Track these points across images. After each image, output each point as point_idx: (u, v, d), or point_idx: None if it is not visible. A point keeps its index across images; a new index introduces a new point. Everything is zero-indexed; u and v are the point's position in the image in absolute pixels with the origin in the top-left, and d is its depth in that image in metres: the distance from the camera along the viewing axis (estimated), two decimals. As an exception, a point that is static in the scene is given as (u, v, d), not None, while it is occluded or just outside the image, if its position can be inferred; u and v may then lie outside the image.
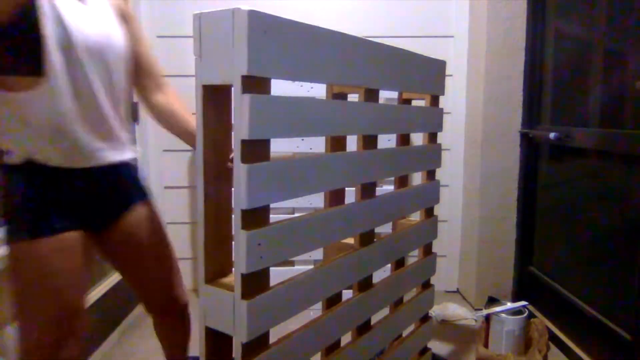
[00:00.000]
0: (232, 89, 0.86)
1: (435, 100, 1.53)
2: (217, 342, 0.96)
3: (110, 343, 2.00)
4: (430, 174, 1.58)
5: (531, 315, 1.94)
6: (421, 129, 1.45)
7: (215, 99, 0.91)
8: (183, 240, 2.55)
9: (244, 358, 0.91)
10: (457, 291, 2.59)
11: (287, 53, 0.90)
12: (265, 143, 0.90)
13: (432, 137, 1.55)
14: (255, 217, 0.89)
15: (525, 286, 2.25)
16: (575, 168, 1.91)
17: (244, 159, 0.85)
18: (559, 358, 1.83)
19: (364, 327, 1.27)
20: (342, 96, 1.34)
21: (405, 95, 1.55)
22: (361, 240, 1.22)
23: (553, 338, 1.90)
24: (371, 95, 1.17)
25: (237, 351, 0.91)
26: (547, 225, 2.13)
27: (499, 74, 2.18)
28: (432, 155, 1.53)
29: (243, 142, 0.85)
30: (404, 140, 1.48)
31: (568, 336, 1.87)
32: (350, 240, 1.27)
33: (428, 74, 1.42)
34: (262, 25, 0.84)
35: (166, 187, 2.51)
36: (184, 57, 2.40)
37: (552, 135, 1.89)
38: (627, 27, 1.61)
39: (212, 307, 0.95)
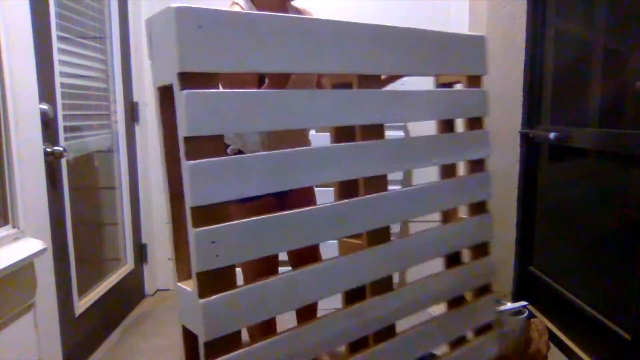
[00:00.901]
0: (173, 87, 0.85)
1: (474, 81, 1.37)
2: (193, 341, 0.96)
3: (110, 343, 2.00)
4: (477, 164, 1.41)
5: (531, 315, 1.93)
6: (441, 115, 1.32)
7: (168, 99, 0.90)
8: (183, 240, 2.55)
9: (207, 357, 0.89)
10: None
11: (229, 44, 0.86)
12: (214, 139, 0.87)
13: (475, 123, 1.39)
14: (208, 214, 0.87)
15: (525, 286, 2.25)
16: (575, 168, 1.91)
17: (187, 156, 0.84)
18: (559, 358, 1.83)
19: (386, 334, 1.19)
20: (347, 85, 1.29)
21: (442, 79, 1.41)
22: (369, 241, 1.15)
23: (553, 338, 1.90)
24: (366, 81, 1.12)
25: (201, 350, 0.89)
26: (547, 225, 2.13)
27: (499, 74, 2.18)
28: (476, 142, 1.38)
29: (185, 139, 0.83)
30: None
31: (568, 336, 1.87)
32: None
33: (451, 52, 1.28)
34: (195, 20, 0.82)
35: (166, 187, 2.51)
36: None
37: (552, 135, 1.89)
38: (627, 27, 1.61)
39: (183, 306, 0.94)
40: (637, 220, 1.49)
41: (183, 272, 0.96)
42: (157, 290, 2.56)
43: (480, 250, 1.45)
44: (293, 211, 1.02)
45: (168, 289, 2.55)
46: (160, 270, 2.53)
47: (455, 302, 1.41)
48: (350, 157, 1.10)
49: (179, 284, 0.95)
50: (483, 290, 1.46)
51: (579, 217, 1.86)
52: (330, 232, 1.08)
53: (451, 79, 1.41)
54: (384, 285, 1.18)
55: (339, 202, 1.11)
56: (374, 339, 1.18)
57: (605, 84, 1.73)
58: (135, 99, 2.33)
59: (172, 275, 0.98)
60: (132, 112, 2.31)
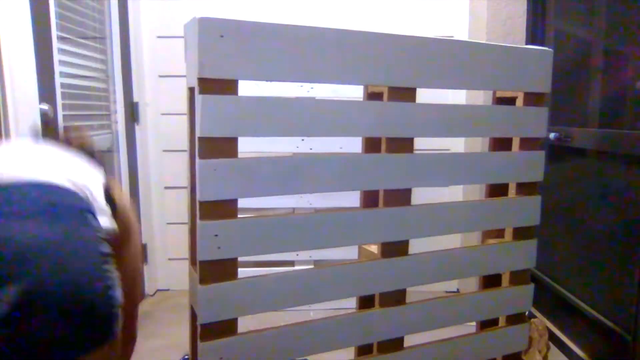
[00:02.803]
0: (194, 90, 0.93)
1: (534, 98, 1.27)
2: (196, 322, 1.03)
3: (110, 343, 2.00)
4: (526, 187, 1.30)
5: (531, 315, 1.93)
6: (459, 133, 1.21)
7: (193, 100, 0.98)
8: (183, 240, 2.55)
9: (202, 338, 0.97)
10: (457, 291, 2.59)
11: (250, 54, 0.91)
12: (227, 141, 0.93)
13: (529, 143, 1.28)
14: (215, 209, 0.93)
15: (525, 286, 2.25)
16: (575, 168, 1.91)
17: (200, 154, 0.91)
18: (559, 358, 1.83)
19: (392, 346, 1.19)
20: (377, 96, 1.21)
21: (499, 94, 1.32)
22: (382, 251, 1.14)
23: (553, 338, 1.90)
24: (377, 94, 1.14)
25: (198, 330, 0.97)
26: (547, 225, 2.13)
27: (499, 74, 2.18)
28: (529, 164, 1.28)
29: (199, 138, 0.91)
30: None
31: (568, 336, 1.87)
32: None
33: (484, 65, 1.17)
34: (217, 30, 0.87)
35: (166, 187, 2.51)
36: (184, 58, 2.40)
37: (552, 135, 1.89)
38: (627, 27, 1.61)
39: (191, 288, 1.04)
40: (637, 220, 1.49)
41: (194, 257, 1.04)
42: (157, 291, 2.56)
43: (520, 276, 1.38)
44: (300, 214, 1.05)
45: (168, 289, 2.55)
46: (160, 270, 2.53)
47: (485, 325, 1.38)
48: (367, 168, 1.09)
49: (191, 267, 1.04)
50: (516, 318, 1.42)
51: (579, 217, 1.86)
52: (337, 239, 1.08)
53: (509, 94, 1.31)
54: (394, 298, 1.17)
55: (344, 210, 1.11)
56: (378, 348, 1.19)
57: (605, 84, 1.73)
58: (135, 99, 2.33)
59: (188, 257, 1.09)
60: (132, 112, 2.31)
